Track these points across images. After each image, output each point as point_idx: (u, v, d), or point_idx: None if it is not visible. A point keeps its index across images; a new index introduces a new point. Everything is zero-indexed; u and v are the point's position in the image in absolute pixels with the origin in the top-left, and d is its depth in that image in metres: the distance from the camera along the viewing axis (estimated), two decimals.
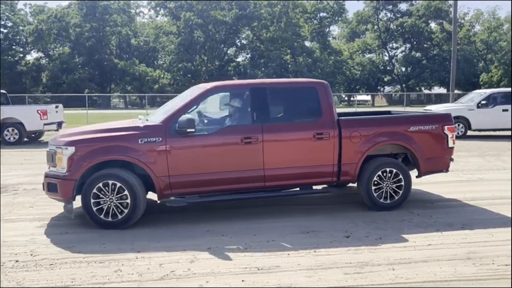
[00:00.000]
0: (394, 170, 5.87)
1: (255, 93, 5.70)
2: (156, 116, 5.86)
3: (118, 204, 5.18)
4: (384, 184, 5.87)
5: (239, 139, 5.47)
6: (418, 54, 66.88)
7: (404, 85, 67.75)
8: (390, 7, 67.75)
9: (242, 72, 58.01)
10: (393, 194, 5.91)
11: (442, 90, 60.07)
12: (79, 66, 54.99)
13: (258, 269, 4.03)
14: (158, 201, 5.56)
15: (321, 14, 65.78)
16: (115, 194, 5.15)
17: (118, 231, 5.12)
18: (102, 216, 5.17)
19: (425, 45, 65.59)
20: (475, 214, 5.77)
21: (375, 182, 5.83)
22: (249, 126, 5.58)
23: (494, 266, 4.01)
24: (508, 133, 14.44)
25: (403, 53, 69.42)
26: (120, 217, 5.20)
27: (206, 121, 5.94)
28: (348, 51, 66.57)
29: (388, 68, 70.59)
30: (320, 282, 3.76)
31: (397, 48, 70.98)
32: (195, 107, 5.62)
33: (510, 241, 4.63)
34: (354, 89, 69.53)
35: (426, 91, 67.18)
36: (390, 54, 71.07)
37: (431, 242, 4.69)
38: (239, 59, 62.91)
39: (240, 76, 58.06)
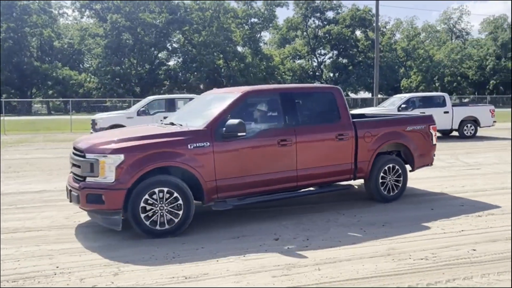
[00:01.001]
0: (396, 166, 6.59)
1: (284, 98, 5.98)
2: (187, 121, 5.80)
3: (170, 212, 5.04)
4: (388, 179, 6.54)
5: (276, 141, 5.67)
6: (344, 61, 70.03)
7: None
8: (318, 14, 70.35)
9: (174, 76, 57.12)
10: (395, 187, 6.60)
11: (367, 95, 63.35)
12: None
13: (186, 278, 3.94)
14: (204, 205, 5.44)
15: (252, 19, 66.69)
16: (166, 201, 5.02)
17: (35, 245, 4.78)
18: (150, 225, 4.98)
19: (351, 52, 68.80)
20: (396, 212, 6.10)
21: (381, 177, 6.45)
22: (283, 129, 5.83)
23: (411, 261, 4.25)
24: None
25: (331, 59, 72.36)
26: (172, 224, 5.06)
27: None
28: (279, 56, 68.04)
29: (317, 73, 73.13)
30: (248, 286, 3.75)
31: (325, 54, 73.80)
32: (234, 111, 5.58)
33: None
34: None
35: (353, 96, 70.49)
36: (319, 60, 73.72)
37: (355, 241, 4.87)
38: (171, 63, 61.90)
39: (172, 80, 57.10)
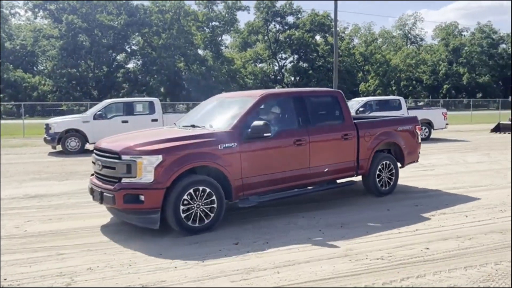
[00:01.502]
0: (390, 163, 7.23)
1: (296, 100, 6.40)
2: (209, 123, 6.07)
3: (205, 209, 5.26)
4: (383, 175, 7.15)
5: (292, 141, 6.06)
6: (305, 65, 71.09)
7: None
8: (279, 19, 71.07)
9: (133, 79, 55.96)
10: (388, 182, 7.21)
11: None
12: None
13: (143, 287, 3.83)
14: (230, 203, 5.69)
15: (213, 23, 66.49)
16: (203, 199, 5.23)
17: None
18: (189, 223, 5.17)
19: (311, 56, 69.96)
20: (354, 213, 6.22)
21: (378, 174, 7.03)
22: (297, 129, 6.21)
23: (367, 261, 4.33)
24: None
25: (292, 63, 73.25)
26: (207, 221, 5.29)
27: None
28: (240, 60, 68.18)
29: (278, 77, 73.82)
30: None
31: (286, 58, 74.61)
32: (254, 113, 5.90)
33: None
34: None
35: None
36: (280, 64, 74.43)
37: (313, 243, 4.91)
38: (130, 65, 60.61)
39: (131, 83, 55.93)
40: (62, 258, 4.56)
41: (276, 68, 74.73)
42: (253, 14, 71.42)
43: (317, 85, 66.68)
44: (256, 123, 5.59)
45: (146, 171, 5.01)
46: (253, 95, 6.28)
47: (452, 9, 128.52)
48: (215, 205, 5.32)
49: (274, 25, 72.06)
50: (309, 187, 6.60)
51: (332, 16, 32.37)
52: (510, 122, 21.38)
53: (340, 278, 3.93)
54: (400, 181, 7.92)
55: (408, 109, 17.23)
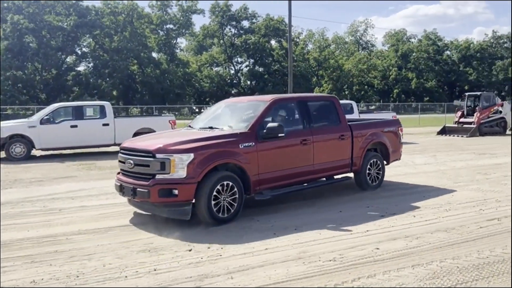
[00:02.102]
0: (378, 161, 8.04)
1: (300, 104, 7.12)
2: (225, 125, 6.68)
3: (229, 202, 5.83)
4: (372, 171, 7.92)
5: (299, 140, 6.73)
6: (261, 69, 71.59)
7: None
8: (234, 23, 71.23)
9: (84, 82, 54.05)
10: (376, 178, 7.98)
11: None
12: None
13: None
14: (248, 196, 6.25)
15: (168, 26, 65.65)
16: (228, 193, 5.81)
17: None
18: (219, 214, 5.73)
19: (267, 61, 70.56)
20: (308, 215, 6.29)
21: (368, 170, 7.81)
22: (303, 130, 6.91)
23: (320, 263, 4.38)
24: None
25: (248, 67, 73.57)
26: (230, 213, 5.85)
27: None
28: (196, 63, 67.66)
29: (234, 81, 73.89)
30: None
31: (242, 62, 74.85)
32: (267, 116, 6.52)
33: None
34: (204, 101, 70.92)
35: None
36: (236, 68, 74.57)
37: (267, 246, 4.92)
38: (80, 68, 58.54)
39: (82, 86, 54.03)
40: (4, 271, 4.29)
41: (232, 72, 74.78)
42: (208, 18, 71.20)
43: (273, 89, 67.33)
44: (271, 124, 6.24)
45: (179, 167, 5.52)
46: (263, 100, 6.93)
47: (400, 16, 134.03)
48: (237, 198, 5.90)
49: (230, 29, 72.14)
50: (312, 182, 7.31)
51: (287, 21, 32.83)
52: (456, 125, 22.55)
53: (293, 281, 3.94)
54: (353, 182, 8.11)
55: (360, 113, 17.73)
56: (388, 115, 18.56)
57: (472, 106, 23.03)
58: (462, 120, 22.65)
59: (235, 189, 5.88)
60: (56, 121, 13.72)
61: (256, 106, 6.76)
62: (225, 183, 5.78)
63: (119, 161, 6.28)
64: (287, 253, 4.69)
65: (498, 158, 12.42)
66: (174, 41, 67.11)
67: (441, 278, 3.93)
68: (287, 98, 7.46)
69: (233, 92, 74.40)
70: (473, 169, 10.48)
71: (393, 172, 10.01)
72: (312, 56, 71.92)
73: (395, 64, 74.96)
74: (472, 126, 21.53)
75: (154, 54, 63.26)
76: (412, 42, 79.03)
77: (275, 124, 6.23)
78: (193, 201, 5.65)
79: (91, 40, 56.75)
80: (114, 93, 57.38)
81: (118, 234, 5.52)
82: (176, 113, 59.31)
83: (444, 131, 22.43)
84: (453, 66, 78.56)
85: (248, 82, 73.60)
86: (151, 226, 5.82)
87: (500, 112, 22.54)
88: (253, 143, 6.14)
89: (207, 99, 72.11)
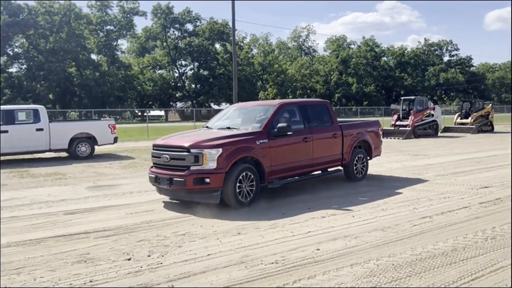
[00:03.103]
0: (363, 156, 9.33)
1: (301, 108, 8.36)
2: (241, 125, 7.91)
3: (248, 190, 6.96)
4: (358, 165, 9.21)
5: (302, 138, 7.96)
6: (206, 72, 71.20)
7: (194, 101, 71.07)
8: (178, 26, 70.32)
9: (17, 85, 50.97)
10: (361, 171, 9.29)
11: None
12: None
13: None
14: (262, 185, 7.29)
15: (108, 27, 63.54)
16: (248, 182, 6.96)
17: None
18: (242, 198, 6.88)
19: (211, 64, 70.35)
20: (250, 219, 6.27)
21: (355, 164, 9.09)
22: (304, 129, 8.11)
23: (262, 266, 4.39)
24: None
25: (192, 70, 72.90)
26: (249, 198, 6.99)
27: None
28: (138, 66, 66.03)
29: (179, 84, 72.89)
30: None
31: (186, 65, 74.04)
32: (276, 117, 7.68)
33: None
34: (147, 105, 69.34)
35: (216, 107, 72.01)
36: (180, 71, 73.62)
37: (210, 252, 4.85)
38: (13, 69, 55.15)
39: (14, 89, 50.94)
40: None
41: (176, 75, 73.75)
42: (150, 20, 69.76)
43: (219, 93, 67.27)
44: (281, 124, 7.43)
45: (210, 160, 6.63)
46: (272, 104, 8.16)
47: (341, 23, 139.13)
48: (254, 186, 7.01)
49: (173, 31, 71.16)
50: (311, 173, 8.57)
51: (231, 25, 32.92)
52: (392, 128, 23.65)
53: (235, 286, 3.91)
54: (293, 185, 8.24)
55: None
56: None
57: (407, 110, 24.29)
58: (398, 123, 23.80)
59: (253, 178, 7.00)
60: None
61: (266, 109, 7.98)
62: (245, 173, 6.89)
63: (153, 156, 7.40)
64: (230, 257, 4.66)
65: (430, 159, 13.17)
66: (115, 43, 65.10)
67: (377, 276, 4.08)
68: (290, 103, 8.73)
69: (177, 95, 73.38)
70: (408, 169, 11.03)
71: (333, 174, 10.27)
72: (256, 60, 72.66)
73: (336, 69, 77.54)
74: (407, 128, 22.69)
75: (93, 56, 61.09)
76: (352, 48, 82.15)
77: (284, 124, 7.42)
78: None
79: (24, 40, 53.71)
80: (50, 96, 54.68)
81: (51, 245, 5.22)
82: (118, 117, 57.64)
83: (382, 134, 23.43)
84: (390, 72, 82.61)
85: (193, 86, 72.91)
86: (92, 235, 5.56)
87: (432, 115, 23.96)
88: (267, 140, 7.32)
89: (150, 102, 70.60)
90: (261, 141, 7.24)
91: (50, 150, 13.74)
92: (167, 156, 7.00)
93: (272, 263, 4.46)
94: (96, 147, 14.64)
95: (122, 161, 13.69)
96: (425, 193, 7.90)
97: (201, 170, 6.62)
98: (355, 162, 9.10)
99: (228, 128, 7.81)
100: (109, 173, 11.20)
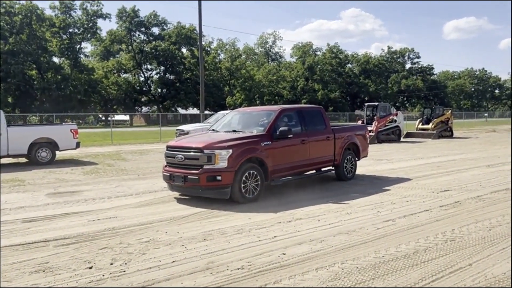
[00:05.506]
0: (352, 158, 10.22)
1: (299, 113, 9.15)
2: (246, 129, 8.65)
3: (253, 187, 7.65)
4: (348, 166, 10.09)
5: (300, 141, 8.75)
6: (172, 77, 70.41)
7: (161, 106, 70.14)
8: (143, 29, 69.34)
9: None
10: (351, 171, 10.19)
11: (196, 111, 64.86)
12: None
13: None
14: (265, 182, 7.97)
15: (71, 29, 61.84)
16: (253, 179, 7.64)
17: None
18: (247, 195, 7.55)
19: (178, 69, 69.64)
20: (216, 224, 6.23)
21: (345, 165, 9.94)
22: (301, 132, 8.90)
23: (228, 272, 4.35)
24: None
25: (159, 75, 71.94)
26: (254, 194, 7.67)
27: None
28: (102, 70, 64.57)
29: (144, 88, 71.74)
30: None
31: (152, 69, 73.00)
32: (277, 121, 8.46)
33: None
34: (111, 109, 67.89)
35: (183, 111, 71.29)
36: (146, 75, 72.53)
37: (175, 259, 4.77)
38: None
39: None
40: None
41: (142, 79, 72.61)
42: (115, 23, 68.44)
43: (185, 98, 66.59)
44: (283, 128, 8.26)
45: (221, 160, 7.32)
46: (273, 110, 8.93)
47: (306, 30, 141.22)
48: (259, 184, 7.72)
49: (139, 35, 70.11)
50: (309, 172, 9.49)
51: (198, 29, 32.78)
52: None
53: None
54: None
55: None
56: None
57: (371, 116, 24.87)
58: None
59: (258, 176, 7.68)
60: None
61: (269, 114, 8.78)
62: (251, 172, 7.57)
63: (167, 156, 8.07)
64: (195, 264, 4.59)
65: (393, 164, 13.51)
66: (78, 46, 63.42)
67: (342, 279, 4.12)
68: (290, 108, 9.34)
69: (142, 100, 72.19)
70: (372, 174, 11.26)
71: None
72: (224, 65, 72.52)
73: (302, 76, 78.49)
74: (371, 134, 23.21)
75: (55, 59, 59.33)
76: (317, 55, 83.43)
77: (286, 128, 8.26)
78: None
79: None
80: (9, 99, 52.63)
81: (8, 255, 4.98)
82: (80, 121, 56.10)
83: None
84: (354, 79, 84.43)
85: (159, 90, 71.97)
86: (52, 243, 5.35)
87: (395, 121, 24.63)
88: (270, 142, 8.05)
89: (115, 107, 69.13)
90: (265, 143, 7.97)
91: (8, 156, 13.19)
92: (181, 156, 7.67)
93: (238, 269, 4.43)
94: (57, 152, 14.17)
95: (84, 166, 13.30)
96: (389, 197, 8.08)
97: (213, 169, 7.31)
98: (345, 162, 9.91)
99: (234, 131, 8.58)
100: (71, 179, 10.86)
